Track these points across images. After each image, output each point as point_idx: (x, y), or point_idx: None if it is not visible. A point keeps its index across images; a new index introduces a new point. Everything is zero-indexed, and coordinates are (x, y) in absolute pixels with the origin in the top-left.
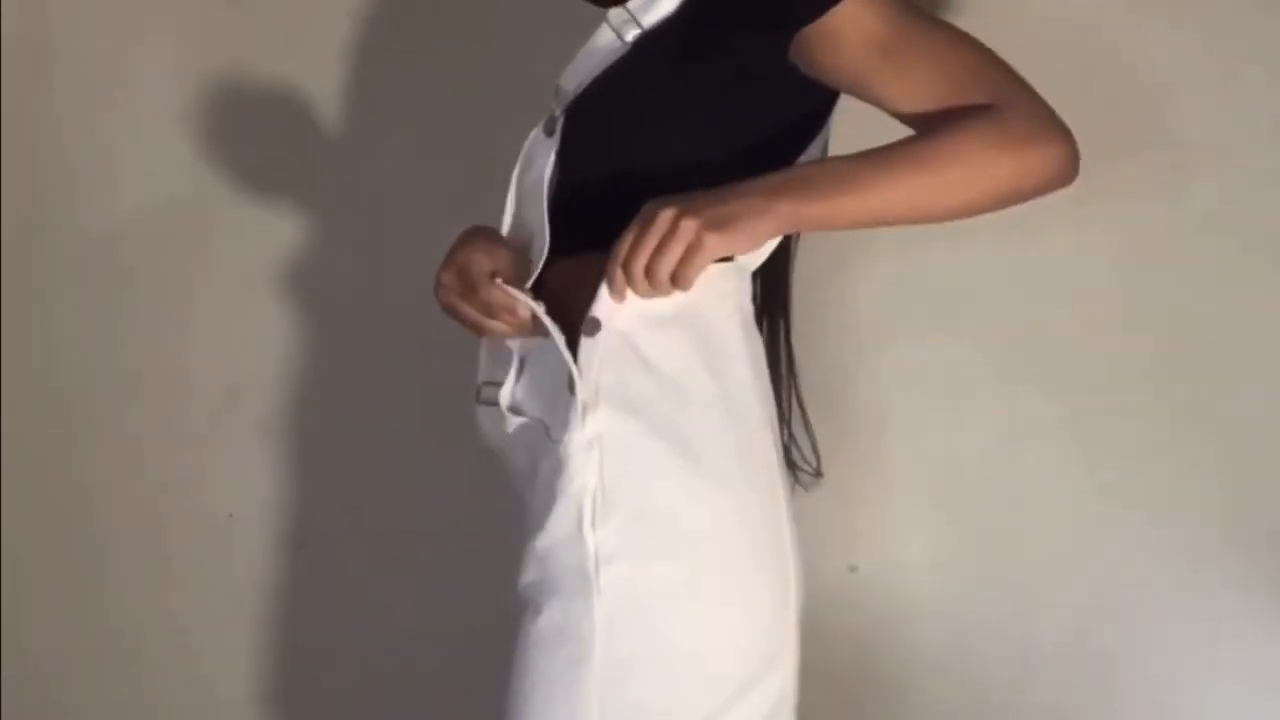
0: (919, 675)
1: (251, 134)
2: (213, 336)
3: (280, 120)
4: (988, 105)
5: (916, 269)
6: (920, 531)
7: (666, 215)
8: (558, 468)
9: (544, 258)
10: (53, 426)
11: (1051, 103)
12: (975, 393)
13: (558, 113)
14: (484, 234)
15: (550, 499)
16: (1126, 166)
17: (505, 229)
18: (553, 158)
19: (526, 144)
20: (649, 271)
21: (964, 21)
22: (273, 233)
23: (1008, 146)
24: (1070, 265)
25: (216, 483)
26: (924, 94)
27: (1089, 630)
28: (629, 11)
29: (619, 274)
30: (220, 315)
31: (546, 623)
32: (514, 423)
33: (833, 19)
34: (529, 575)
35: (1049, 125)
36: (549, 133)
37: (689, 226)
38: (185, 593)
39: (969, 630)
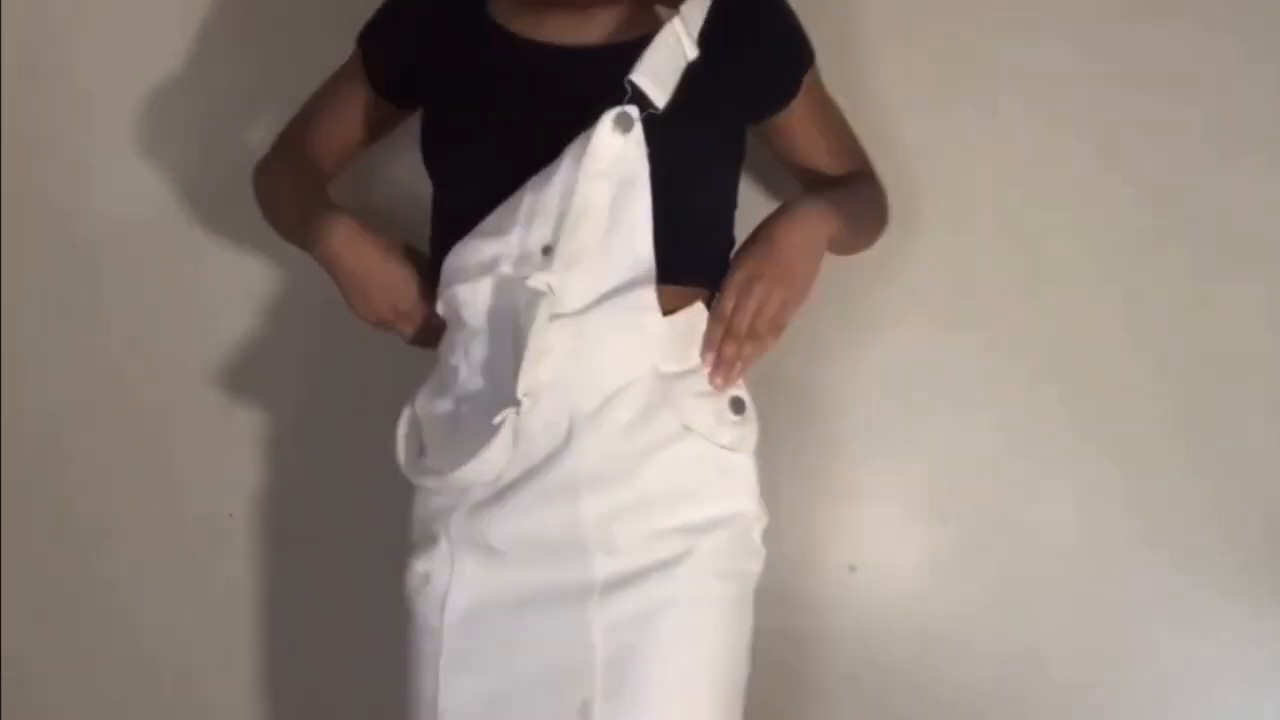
0: (919, 674)
1: (253, 134)
2: (213, 336)
3: (282, 120)
4: (864, 171)
5: (917, 269)
6: (920, 531)
7: (760, 288)
8: (728, 471)
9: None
10: (52, 426)
11: (1051, 99)
12: (975, 393)
13: (637, 114)
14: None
15: (718, 500)
16: (1125, 167)
17: (550, 239)
18: (647, 166)
19: (593, 143)
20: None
21: (967, 12)
22: (273, 233)
23: (885, 206)
24: (1071, 265)
25: (216, 483)
26: (832, 150)
27: (1089, 630)
28: (684, 23)
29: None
30: (220, 316)
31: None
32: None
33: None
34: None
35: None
36: (625, 130)
37: (778, 296)
38: (185, 593)
39: (969, 630)
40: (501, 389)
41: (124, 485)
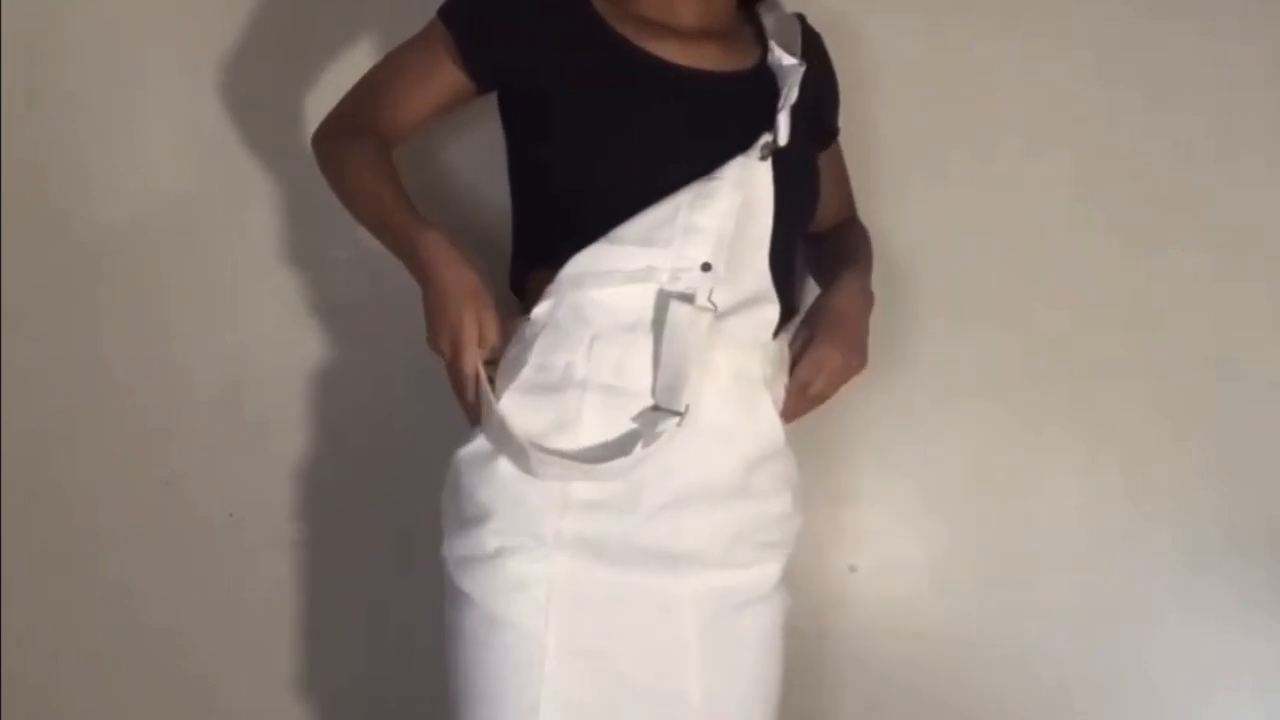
0: (918, 674)
1: (253, 133)
2: (213, 336)
3: (282, 120)
4: (855, 218)
5: (917, 271)
6: (920, 531)
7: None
8: (796, 488)
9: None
10: (53, 426)
11: (1054, 99)
12: (976, 393)
13: (777, 143)
14: (480, 292)
15: (793, 516)
16: (1126, 168)
17: (709, 256)
18: (773, 193)
19: (738, 171)
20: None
21: (972, 11)
22: (273, 232)
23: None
24: (1070, 266)
25: (216, 483)
26: (839, 191)
27: (1089, 630)
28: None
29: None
30: (220, 315)
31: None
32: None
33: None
34: (765, 567)
35: None
36: (764, 158)
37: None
38: (185, 593)
39: (969, 630)
40: (633, 391)
41: (124, 485)
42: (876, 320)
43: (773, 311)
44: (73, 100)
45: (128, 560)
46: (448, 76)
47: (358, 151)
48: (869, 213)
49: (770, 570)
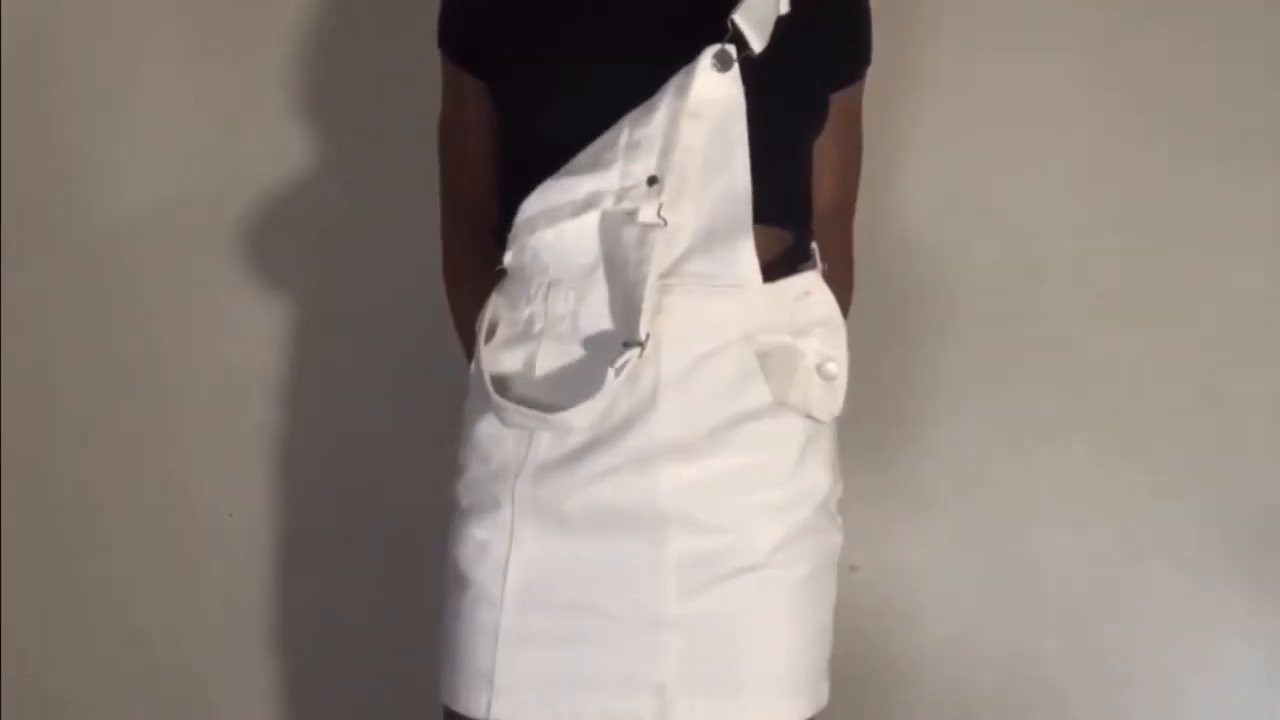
0: (918, 674)
1: (252, 134)
2: (213, 337)
3: (282, 121)
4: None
5: (918, 270)
6: (920, 531)
7: None
8: (813, 443)
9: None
10: (53, 426)
11: (1058, 101)
12: (976, 392)
13: (735, 53)
14: None
15: (801, 474)
16: (1127, 164)
17: (655, 169)
18: (744, 106)
19: (695, 78)
20: None
21: (974, 11)
22: (274, 233)
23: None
24: (1070, 265)
25: (216, 483)
26: (837, 166)
27: (1089, 630)
28: None
29: None
30: (220, 315)
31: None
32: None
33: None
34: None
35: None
36: (724, 68)
37: None
38: (185, 593)
39: (968, 629)
40: (588, 336)
41: (124, 485)
42: (877, 320)
43: (745, 249)
44: (72, 100)
45: (128, 560)
46: (471, 95)
47: (465, 280)
48: (868, 212)
49: (761, 533)
